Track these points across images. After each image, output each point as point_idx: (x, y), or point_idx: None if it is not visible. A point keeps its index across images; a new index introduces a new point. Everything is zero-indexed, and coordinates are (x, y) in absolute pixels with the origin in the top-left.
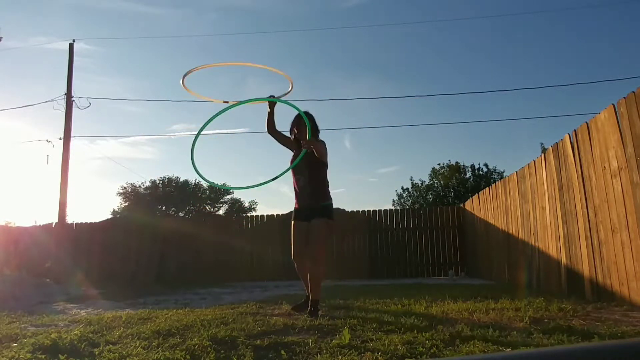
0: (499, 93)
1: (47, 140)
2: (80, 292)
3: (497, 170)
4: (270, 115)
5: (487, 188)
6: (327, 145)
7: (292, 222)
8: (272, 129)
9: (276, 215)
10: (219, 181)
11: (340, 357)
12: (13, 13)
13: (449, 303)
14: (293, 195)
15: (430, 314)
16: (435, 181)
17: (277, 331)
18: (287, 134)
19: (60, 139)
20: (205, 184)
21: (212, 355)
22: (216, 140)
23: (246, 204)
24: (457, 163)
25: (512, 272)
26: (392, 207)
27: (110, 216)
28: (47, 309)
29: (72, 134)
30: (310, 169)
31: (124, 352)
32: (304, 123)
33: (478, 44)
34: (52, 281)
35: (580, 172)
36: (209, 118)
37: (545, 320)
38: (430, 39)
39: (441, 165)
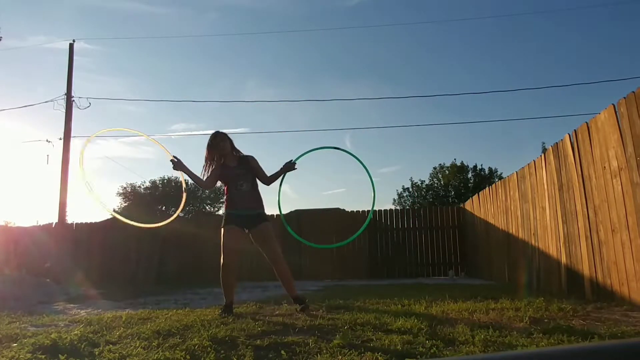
0: (500, 93)
1: (47, 140)
2: (80, 292)
3: (493, 169)
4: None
5: (487, 188)
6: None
7: (228, 227)
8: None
9: (276, 215)
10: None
11: (340, 357)
12: (13, 13)
13: (449, 303)
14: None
15: (430, 314)
16: (436, 180)
17: (277, 331)
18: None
19: (60, 139)
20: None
21: (212, 355)
22: None
23: None
24: (462, 163)
25: (512, 272)
26: (392, 207)
27: (110, 216)
28: (47, 309)
29: (72, 134)
30: (252, 176)
31: (124, 352)
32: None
33: (479, 44)
34: (52, 281)
35: (580, 172)
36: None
37: (545, 320)
38: (431, 39)
39: (442, 165)
